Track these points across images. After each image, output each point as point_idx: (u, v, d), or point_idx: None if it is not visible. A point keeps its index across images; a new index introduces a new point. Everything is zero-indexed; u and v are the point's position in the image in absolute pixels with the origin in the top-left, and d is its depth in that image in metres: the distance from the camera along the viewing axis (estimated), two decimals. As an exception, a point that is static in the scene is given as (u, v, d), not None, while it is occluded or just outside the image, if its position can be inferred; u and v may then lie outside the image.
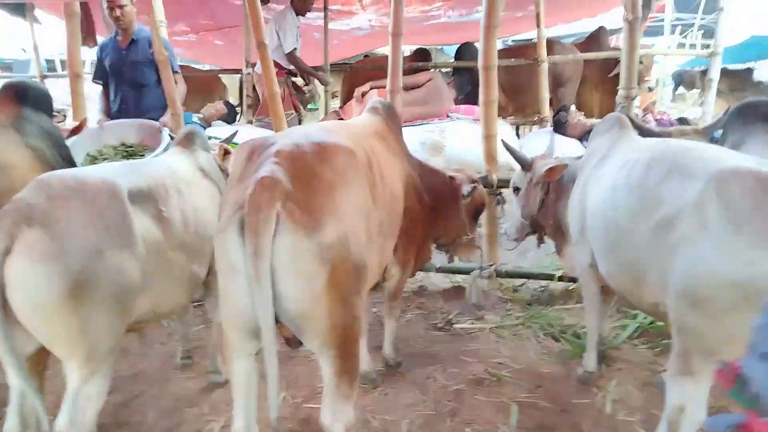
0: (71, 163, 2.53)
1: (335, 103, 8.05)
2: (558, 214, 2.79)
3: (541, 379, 2.82)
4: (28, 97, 2.44)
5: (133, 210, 1.97)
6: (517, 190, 2.98)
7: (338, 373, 1.72)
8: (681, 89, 16.60)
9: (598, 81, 7.21)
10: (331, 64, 6.69)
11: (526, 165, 2.90)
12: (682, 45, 12.62)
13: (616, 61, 6.70)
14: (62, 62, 13.86)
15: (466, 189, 2.81)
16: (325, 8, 6.51)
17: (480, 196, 2.94)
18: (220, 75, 8.60)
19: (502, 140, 3.23)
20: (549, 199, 2.87)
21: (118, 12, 3.97)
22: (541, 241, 3.25)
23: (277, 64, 5.78)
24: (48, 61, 13.18)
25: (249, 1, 3.34)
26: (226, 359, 1.80)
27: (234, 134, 3.10)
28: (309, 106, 12.49)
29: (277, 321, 1.61)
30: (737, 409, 1.09)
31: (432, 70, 6.16)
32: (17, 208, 1.73)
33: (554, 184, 2.83)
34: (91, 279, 1.76)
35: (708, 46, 7.75)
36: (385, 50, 12.47)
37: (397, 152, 2.45)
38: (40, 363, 1.94)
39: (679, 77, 16.03)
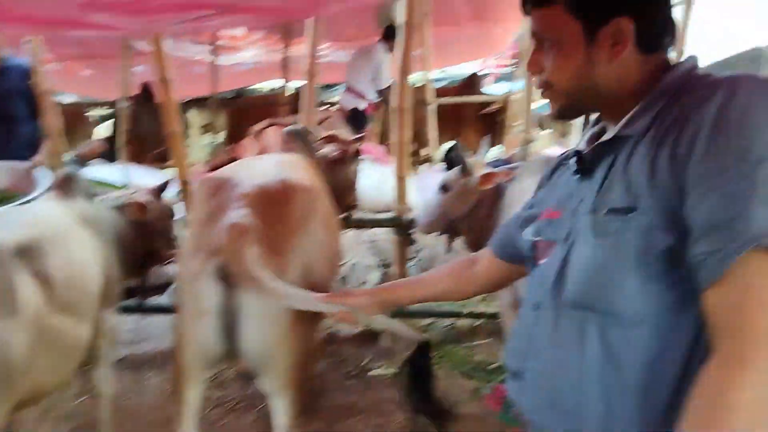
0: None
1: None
2: (483, 234, 2.42)
3: (465, 422, 2.81)
4: None
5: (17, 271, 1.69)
6: (445, 189, 2.87)
7: (293, 414, 1.83)
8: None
9: (473, 121, 7.83)
10: (204, 98, 6.48)
11: (467, 169, 2.77)
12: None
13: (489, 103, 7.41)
14: None
15: None
16: (214, 43, 6.33)
17: None
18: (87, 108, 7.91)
19: (455, 144, 3.21)
20: (478, 212, 2.72)
21: None
22: (449, 247, 3.09)
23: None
24: None
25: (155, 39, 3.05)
26: (179, 387, 1.82)
27: (166, 184, 2.76)
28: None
29: (237, 356, 1.76)
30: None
31: (325, 107, 6.18)
32: None
33: (487, 201, 2.70)
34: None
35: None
36: (264, 86, 12.31)
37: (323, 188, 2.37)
38: None
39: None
